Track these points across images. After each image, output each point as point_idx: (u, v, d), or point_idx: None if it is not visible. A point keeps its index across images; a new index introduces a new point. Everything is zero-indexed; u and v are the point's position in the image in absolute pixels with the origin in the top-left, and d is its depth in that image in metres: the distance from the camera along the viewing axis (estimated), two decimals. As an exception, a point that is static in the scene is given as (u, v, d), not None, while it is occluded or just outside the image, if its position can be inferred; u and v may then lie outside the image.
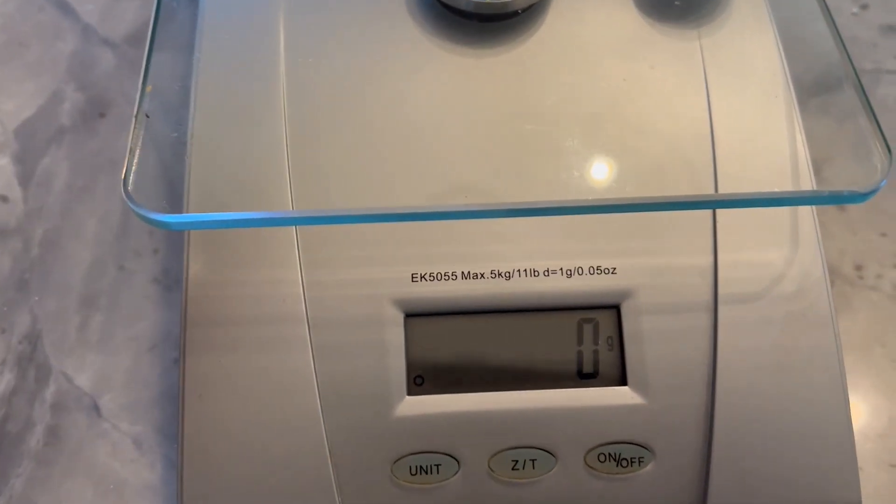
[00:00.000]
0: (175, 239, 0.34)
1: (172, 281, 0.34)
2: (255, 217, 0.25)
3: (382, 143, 0.30)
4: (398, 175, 0.30)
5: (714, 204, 0.28)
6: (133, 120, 0.27)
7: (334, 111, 0.31)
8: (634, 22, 0.33)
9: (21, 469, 0.30)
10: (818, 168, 0.31)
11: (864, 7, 0.43)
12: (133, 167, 0.26)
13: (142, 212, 0.24)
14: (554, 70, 0.32)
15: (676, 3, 0.33)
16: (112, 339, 0.32)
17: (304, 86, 0.31)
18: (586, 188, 0.30)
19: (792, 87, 0.31)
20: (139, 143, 0.26)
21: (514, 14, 0.32)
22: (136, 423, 0.31)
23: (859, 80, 0.28)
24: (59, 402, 0.31)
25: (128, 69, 0.40)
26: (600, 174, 0.30)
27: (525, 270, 0.29)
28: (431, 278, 0.29)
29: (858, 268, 0.35)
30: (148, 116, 0.27)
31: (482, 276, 0.29)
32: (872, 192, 0.26)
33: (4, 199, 0.36)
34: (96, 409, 0.31)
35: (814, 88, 0.35)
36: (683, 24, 0.33)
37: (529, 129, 0.30)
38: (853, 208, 0.36)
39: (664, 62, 0.32)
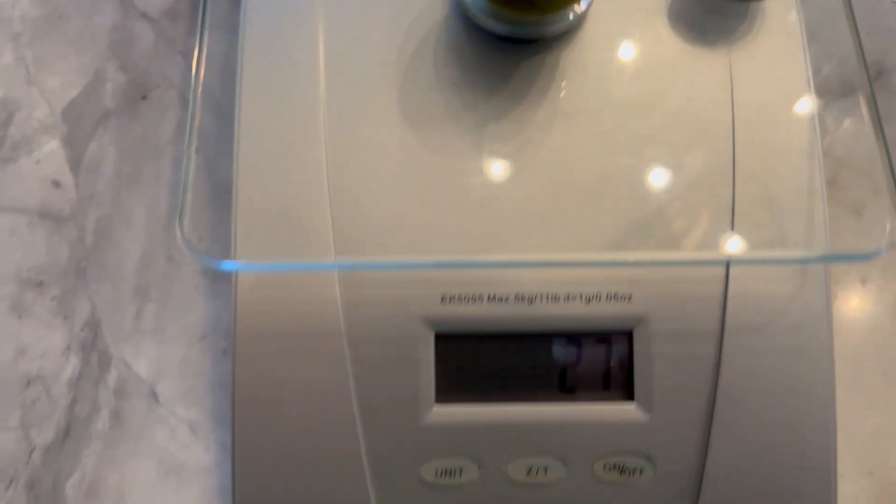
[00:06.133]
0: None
1: (219, 273, 0.36)
2: (301, 265, 0.27)
3: (420, 185, 0.32)
4: (435, 218, 0.31)
5: (726, 262, 0.30)
6: (185, 157, 0.28)
7: (373, 149, 0.32)
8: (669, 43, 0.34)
9: (90, 449, 0.34)
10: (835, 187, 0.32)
11: (904, -4, 0.42)
12: (187, 209, 0.28)
13: (200, 257, 0.27)
14: (588, 101, 0.33)
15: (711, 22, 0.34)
16: (165, 330, 0.35)
17: (344, 121, 0.33)
18: (609, 235, 0.31)
19: (818, 126, 0.32)
20: (191, 184, 0.28)
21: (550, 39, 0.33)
22: (191, 409, 0.34)
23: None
24: (121, 389, 0.35)
25: (165, 48, 0.41)
26: (620, 221, 0.32)
27: (546, 295, 0.31)
28: (460, 300, 0.31)
29: (864, 280, 0.37)
30: (197, 153, 0.29)
31: (506, 299, 0.31)
32: (878, 252, 0.27)
33: (57, 184, 0.38)
34: (154, 395, 0.35)
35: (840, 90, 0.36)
36: (716, 47, 0.33)
37: (562, 178, 0.31)
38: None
39: (694, 89, 0.33)
